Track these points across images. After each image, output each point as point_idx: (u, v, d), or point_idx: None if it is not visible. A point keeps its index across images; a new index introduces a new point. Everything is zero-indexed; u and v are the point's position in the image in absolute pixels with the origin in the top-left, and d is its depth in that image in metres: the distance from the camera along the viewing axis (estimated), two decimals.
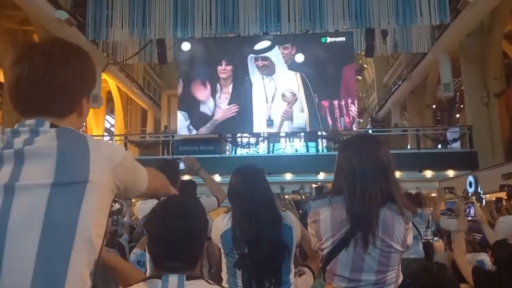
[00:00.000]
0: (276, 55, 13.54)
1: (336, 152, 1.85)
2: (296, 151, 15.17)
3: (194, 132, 13.64)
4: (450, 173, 12.95)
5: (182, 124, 13.70)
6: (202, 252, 1.36)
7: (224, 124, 13.57)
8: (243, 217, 1.95)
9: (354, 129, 13.31)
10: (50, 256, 0.89)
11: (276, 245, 1.92)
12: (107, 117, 21.34)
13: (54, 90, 1.02)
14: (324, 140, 14.90)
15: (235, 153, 14.91)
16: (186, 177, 4.15)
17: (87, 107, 1.14)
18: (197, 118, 13.60)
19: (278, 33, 13.27)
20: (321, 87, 13.24)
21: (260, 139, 14.48)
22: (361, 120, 22.87)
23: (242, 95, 13.54)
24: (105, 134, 19.41)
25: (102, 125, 19.37)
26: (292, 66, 13.49)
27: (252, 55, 13.53)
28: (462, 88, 14.26)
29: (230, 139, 14.88)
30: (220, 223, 2.02)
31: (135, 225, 8.11)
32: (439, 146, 14.84)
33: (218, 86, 13.63)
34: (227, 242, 1.95)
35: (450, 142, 14.18)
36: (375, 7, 11.86)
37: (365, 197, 1.59)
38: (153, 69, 22.78)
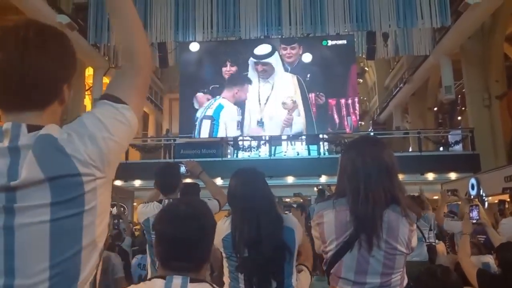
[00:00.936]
0: (275, 59, 13.57)
1: (338, 155, 1.84)
2: (298, 154, 15.15)
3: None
4: (452, 175, 12.92)
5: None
6: (210, 254, 1.36)
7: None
8: (243, 219, 1.94)
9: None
10: (63, 266, 0.89)
11: (277, 247, 1.91)
12: None
13: (33, 80, 0.94)
14: (325, 143, 14.88)
15: (237, 156, 14.89)
16: (188, 181, 4.14)
17: (68, 93, 1.04)
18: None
19: (280, 36, 13.30)
20: (328, 85, 13.28)
21: (262, 142, 14.48)
22: (363, 123, 22.86)
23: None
24: None
25: None
26: (299, 66, 13.51)
27: (253, 59, 13.57)
28: (464, 90, 14.24)
29: (231, 142, 14.88)
30: (221, 227, 2.00)
31: (134, 229, 8.09)
32: (441, 148, 14.82)
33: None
34: (228, 246, 1.94)
35: (452, 145, 14.15)
36: (376, 10, 11.87)
37: (369, 198, 1.58)
38: (155, 73, 22.80)
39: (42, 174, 0.88)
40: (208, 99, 13.75)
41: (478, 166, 12.41)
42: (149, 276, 2.93)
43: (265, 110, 13.47)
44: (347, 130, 13.36)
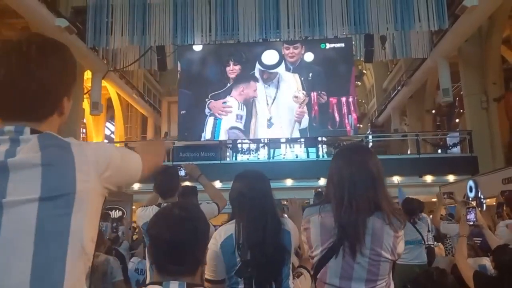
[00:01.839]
0: (282, 69, 13.67)
1: None
2: (297, 157, 15.16)
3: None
4: (450, 178, 12.94)
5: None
6: (204, 257, 1.37)
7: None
8: (250, 222, 1.94)
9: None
10: (45, 269, 0.87)
11: (278, 249, 1.93)
12: (107, 124, 21.38)
13: (33, 94, 0.98)
14: (324, 146, 14.90)
15: (236, 159, 14.90)
16: (186, 184, 4.15)
17: (68, 105, 1.07)
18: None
19: (278, 39, 13.34)
20: (329, 84, 13.34)
21: (261, 145, 14.49)
22: (361, 125, 22.89)
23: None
24: (106, 141, 19.42)
25: (103, 132, 19.39)
26: (301, 65, 13.58)
27: (259, 67, 13.62)
28: (462, 93, 14.28)
29: (230, 145, 14.89)
30: (220, 232, 2.00)
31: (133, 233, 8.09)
32: (439, 151, 14.84)
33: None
34: (226, 251, 1.93)
35: (450, 147, 14.18)
36: (373, 13, 11.91)
37: (353, 206, 1.61)
38: (153, 75, 22.83)
39: (40, 159, 0.90)
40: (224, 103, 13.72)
41: (476, 168, 12.43)
42: (148, 280, 2.94)
43: (272, 110, 13.53)
44: (348, 128, 13.38)
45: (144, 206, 3.10)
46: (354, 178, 1.65)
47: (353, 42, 13.74)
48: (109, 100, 19.70)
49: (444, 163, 13.22)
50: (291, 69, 13.71)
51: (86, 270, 0.97)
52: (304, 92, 13.44)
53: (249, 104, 13.61)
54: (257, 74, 13.66)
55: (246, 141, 14.61)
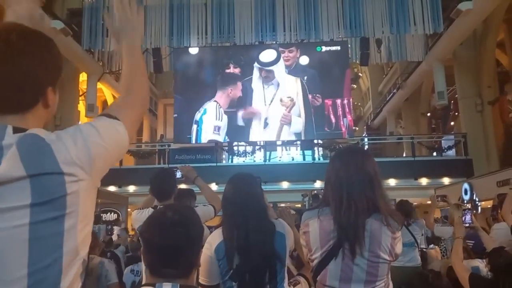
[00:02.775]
0: (280, 67, 13.72)
1: None
2: (293, 160, 15.18)
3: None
4: (446, 180, 12.99)
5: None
6: (198, 260, 1.36)
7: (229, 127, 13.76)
8: (232, 226, 1.92)
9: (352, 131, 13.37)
10: (42, 274, 0.86)
11: (267, 255, 1.89)
12: None
13: (14, 81, 0.94)
14: (320, 148, 14.93)
15: (232, 161, 14.90)
16: (182, 186, 4.14)
17: (53, 98, 1.03)
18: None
19: (274, 42, 13.37)
20: (324, 87, 13.42)
21: (257, 147, 14.50)
22: (357, 128, 22.95)
23: (243, 97, 13.74)
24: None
25: None
26: (296, 68, 13.66)
27: (257, 64, 13.66)
28: (457, 96, 14.35)
29: (226, 148, 14.89)
30: (214, 236, 1.98)
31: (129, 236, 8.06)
32: (434, 153, 14.91)
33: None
34: (220, 254, 1.91)
35: (445, 150, 14.24)
36: (369, 17, 11.97)
37: (352, 207, 1.62)
38: (149, 78, 22.80)
39: (24, 171, 0.87)
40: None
41: (471, 171, 12.49)
42: (143, 281, 2.92)
43: (270, 110, 13.60)
44: (343, 129, 13.43)
45: (140, 209, 3.08)
46: (352, 179, 1.66)
47: (349, 45, 13.79)
48: (105, 103, 19.64)
49: (439, 166, 13.28)
50: (287, 72, 13.79)
51: (80, 272, 0.95)
52: (292, 98, 13.50)
53: (235, 103, 13.62)
54: (255, 75, 13.70)
55: (242, 143, 14.62)
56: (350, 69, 16.26)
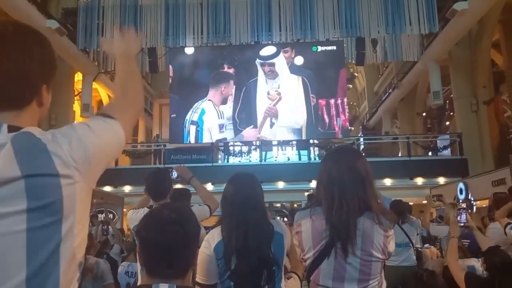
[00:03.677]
0: (281, 60, 13.74)
1: None
2: (288, 160, 15.19)
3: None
4: (441, 180, 13.04)
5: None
6: (195, 259, 1.35)
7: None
8: (231, 227, 1.91)
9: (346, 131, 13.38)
10: (40, 279, 0.85)
11: (264, 258, 1.89)
12: None
13: (10, 76, 0.93)
14: (316, 148, 14.94)
15: (227, 161, 14.88)
16: (178, 186, 4.13)
17: (47, 97, 1.02)
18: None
19: (270, 42, 13.37)
20: (318, 86, 13.45)
21: (253, 147, 14.49)
22: (353, 128, 22.99)
23: (246, 96, 13.70)
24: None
25: None
26: (292, 68, 13.70)
27: (258, 60, 13.69)
28: (452, 96, 14.41)
29: (222, 148, 14.87)
30: (213, 235, 1.97)
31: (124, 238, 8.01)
32: (430, 153, 14.95)
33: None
34: (219, 254, 1.91)
35: (441, 150, 14.29)
36: (365, 16, 12.00)
37: (343, 206, 1.62)
38: (145, 78, 22.74)
39: (19, 171, 0.85)
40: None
41: (466, 170, 12.54)
42: (139, 282, 2.91)
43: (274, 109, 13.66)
44: (337, 129, 13.46)
45: (136, 209, 3.07)
46: (344, 178, 1.67)
47: (345, 45, 13.82)
48: (100, 102, 19.57)
49: (434, 166, 13.33)
50: (290, 71, 13.83)
51: (78, 274, 0.95)
52: (278, 91, 13.53)
53: (226, 101, 13.62)
54: (260, 72, 13.72)
55: (238, 143, 14.62)
56: (346, 69, 16.30)
